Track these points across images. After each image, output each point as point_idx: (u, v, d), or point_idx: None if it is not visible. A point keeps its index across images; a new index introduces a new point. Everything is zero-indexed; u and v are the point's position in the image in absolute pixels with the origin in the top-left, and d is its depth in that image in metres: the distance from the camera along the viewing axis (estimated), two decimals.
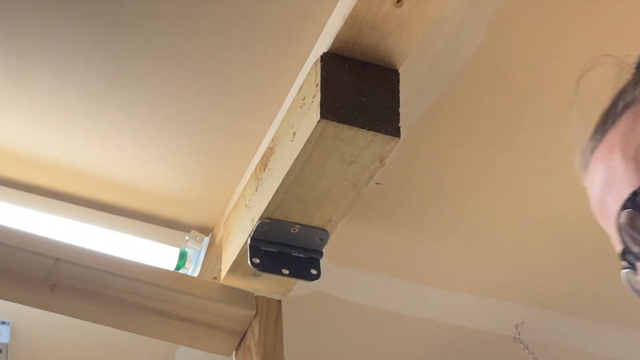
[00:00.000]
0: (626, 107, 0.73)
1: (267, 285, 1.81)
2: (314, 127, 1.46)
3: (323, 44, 1.52)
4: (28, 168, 1.86)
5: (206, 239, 1.99)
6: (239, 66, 1.65)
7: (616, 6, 1.58)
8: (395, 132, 1.48)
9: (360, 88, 1.48)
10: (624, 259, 0.69)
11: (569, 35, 1.62)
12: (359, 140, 1.48)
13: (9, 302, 1.81)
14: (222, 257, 1.87)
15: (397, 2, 1.40)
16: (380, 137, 1.47)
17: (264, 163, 1.69)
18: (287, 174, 1.56)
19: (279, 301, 1.86)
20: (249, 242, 1.69)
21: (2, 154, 1.83)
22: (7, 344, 2.07)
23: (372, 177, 1.57)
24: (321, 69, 1.47)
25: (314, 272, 1.70)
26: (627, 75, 0.75)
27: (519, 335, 2.30)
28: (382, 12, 1.41)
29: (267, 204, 1.63)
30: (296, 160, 1.53)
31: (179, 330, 1.83)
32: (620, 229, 0.69)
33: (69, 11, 1.55)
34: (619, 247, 0.70)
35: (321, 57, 1.48)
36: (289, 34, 1.58)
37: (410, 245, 2.06)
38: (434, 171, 1.89)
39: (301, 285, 1.78)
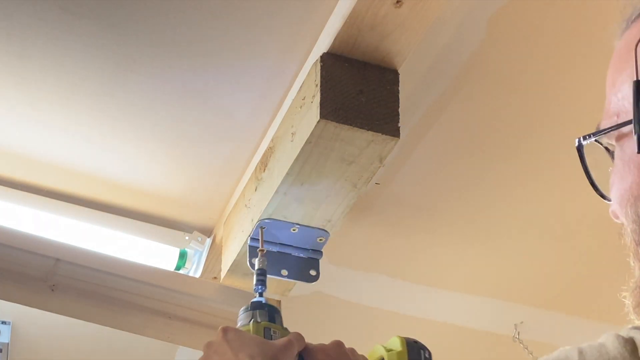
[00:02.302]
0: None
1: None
2: (313, 127, 1.46)
3: (323, 44, 1.52)
4: (28, 168, 1.86)
5: (208, 240, 1.99)
6: (239, 66, 1.65)
7: (616, 5, 1.58)
8: (395, 132, 1.48)
9: (360, 88, 1.49)
10: None
11: (568, 35, 1.62)
12: (358, 141, 1.48)
13: (9, 302, 1.81)
14: (222, 257, 1.87)
15: (397, 2, 1.40)
16: (380, 137, 1.47)
17: (263, 163, 1.69)
18: (287, 174, 1.56)
19: (279, 301, 1.85)
20: (248, 242, 1.69)
21: (2, 154, 1.83)
22: (7, 344, 2.07)
23: (371, 177, 1.57)
24: (321, 69, 1.47)
25: (313, 273, 1.70)
26: None
27: (519, 335, 2.30)
28: (382, 12, 1.41)
29: (267, 204, 1.63)
30: (296, 160, 1.53)
31: (179, 330, 1.83)
32: None
33: (69, 11, 1.55)
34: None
35: (321, 57, 1.48)
36: (289, 34, 1.58)
37: (410, 246, 2.06)
38: (434, 171, 1.88)
39: (301, 285, 1.78)
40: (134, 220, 1.95)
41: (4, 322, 2.08)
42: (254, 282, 1.51)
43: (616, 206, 0.82)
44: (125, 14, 1.56)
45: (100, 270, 1.79)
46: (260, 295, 1.46)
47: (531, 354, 2.32)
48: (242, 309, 1.39)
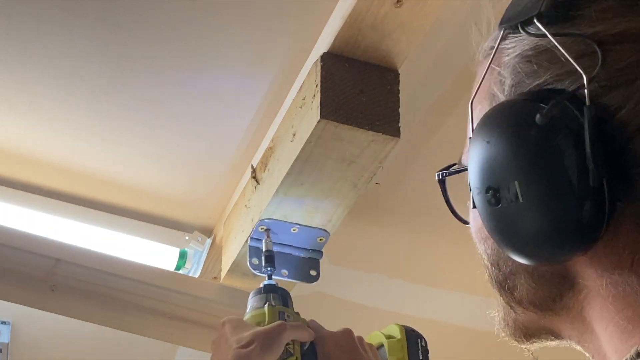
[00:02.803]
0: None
1: None
2: (313, 127, 1.46)
3: (323, 44, 1.51)
4: (28, 168, 1.86)
5: (208, 240, 1.99)
6: (239, 66, 1.65)
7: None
8: (395, 132, 1.48)
9: (360, 88, 1.49)
10: None
11: None
12: (359, 140, 1.48)
13: (9, 302, 1.81)
14: (222, 257, 1.86)
15: (397, 2, 1.40)
16: (380, 137, 1.47)
17: (263, 163, 1.69)
18: (287, 174, 1.56)
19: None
20: (249, 242, 1.69)
21: (2, 154, 1.83)
22: (7, 344, 2.07)
23: (372, 177, 1.57)
24: (321, 69, 1.47)
25: (313, 273, 1.70)
26: None
27: None
28: (382, 12, 1.41)
29: (267, 204, 1.63)
30: (296, 160, 1.53)
31: (179, 330, 1.83)
32: None
33: (69, 11, 1.55)
34: None
35: (321, 57, 1.48)
36: (289, 33, 1.58)
37: (410, 245, 2.06)
38: (434, 171, 1.88)
39: (301, 285, 1.78)
40: (134, 220, 1.95)
41: (4, 322, 2.08)
42: (263, 263, 1.51)
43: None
44: (125, 14, 1.56)
45: (100, 270, 1.79)
46: (270, 277, 1.45)
47: (532, 354, 2.31)
48: (253, 291, 1.39)
